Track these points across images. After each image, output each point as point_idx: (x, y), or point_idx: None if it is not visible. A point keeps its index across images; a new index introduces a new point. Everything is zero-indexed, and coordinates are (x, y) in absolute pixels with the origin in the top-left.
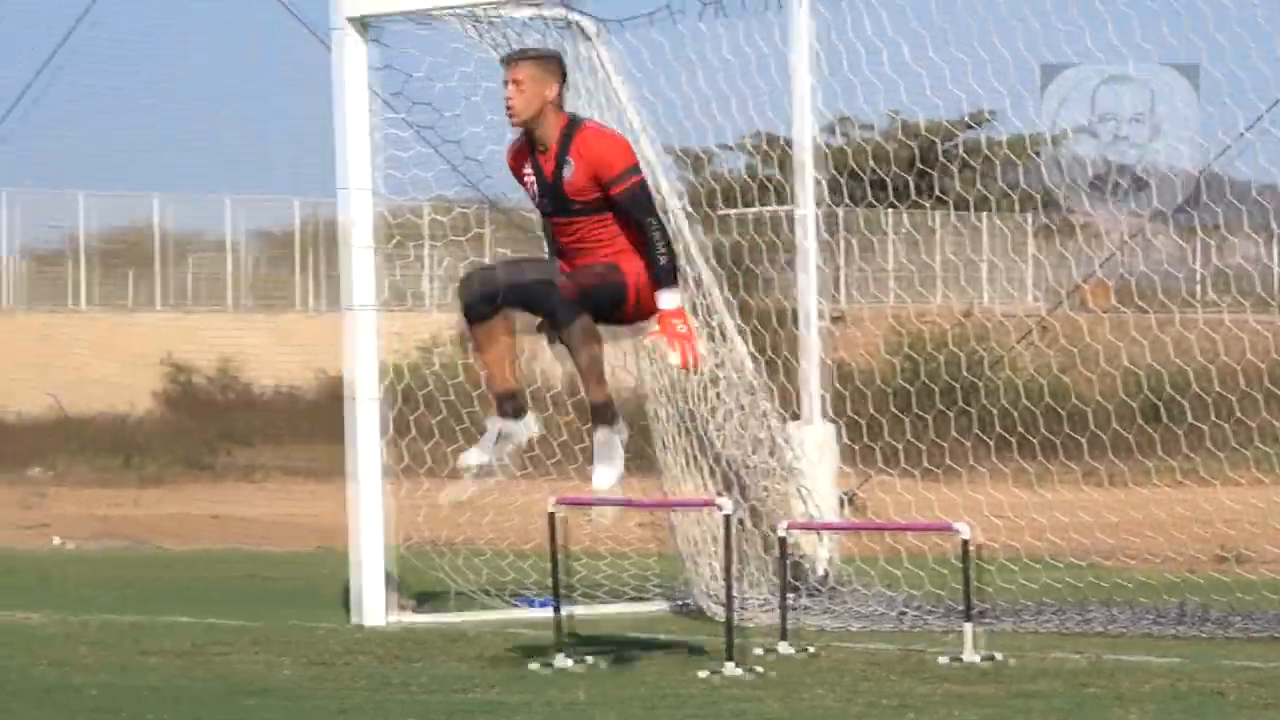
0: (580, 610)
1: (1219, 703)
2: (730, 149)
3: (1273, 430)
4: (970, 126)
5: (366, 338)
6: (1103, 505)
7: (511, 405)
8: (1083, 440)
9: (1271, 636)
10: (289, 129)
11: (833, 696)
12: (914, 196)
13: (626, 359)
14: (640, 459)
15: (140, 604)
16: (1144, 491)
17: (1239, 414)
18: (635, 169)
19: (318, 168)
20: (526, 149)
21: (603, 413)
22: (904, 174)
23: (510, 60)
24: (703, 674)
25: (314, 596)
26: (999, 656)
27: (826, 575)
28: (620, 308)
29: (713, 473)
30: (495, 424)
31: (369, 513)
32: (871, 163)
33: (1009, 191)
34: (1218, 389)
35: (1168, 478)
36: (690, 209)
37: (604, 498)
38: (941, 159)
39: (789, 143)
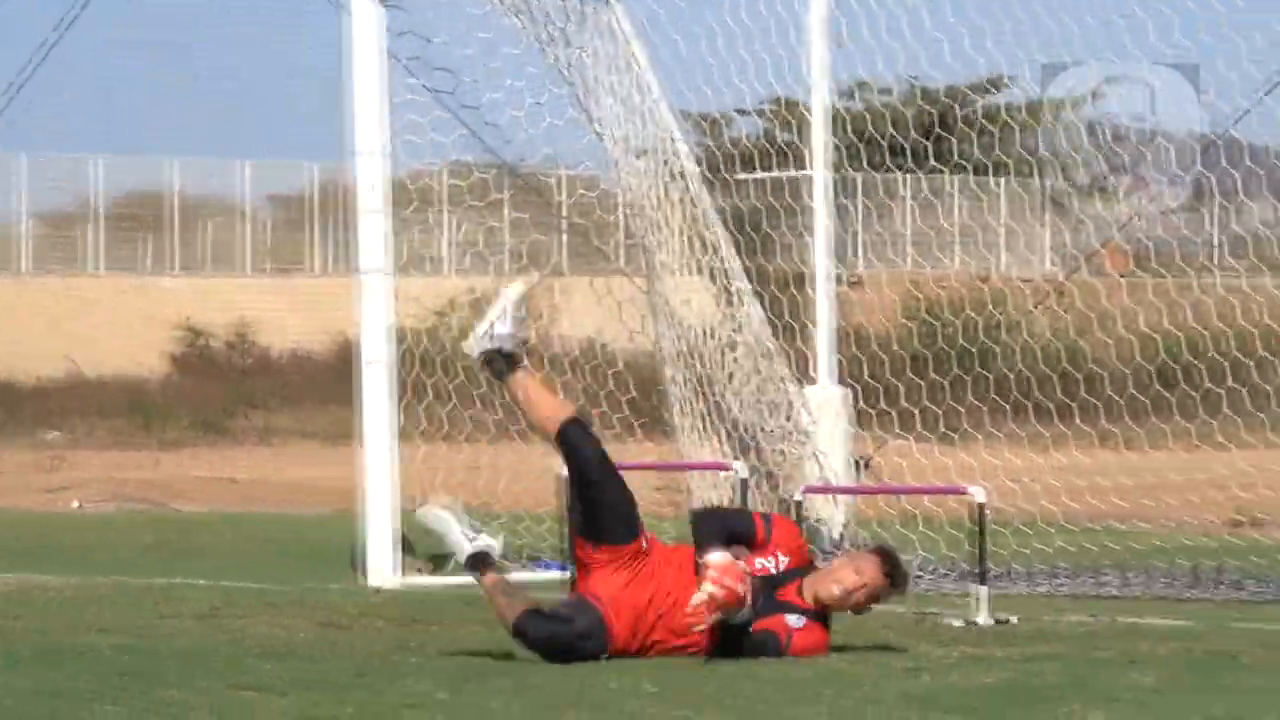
0: None
1: (1232, 666)
2: (747, 114)
3: None
4: (988, 91)
5: (377, 301)
6: (1117, 469)
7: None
8: (1098, 404)
9: None
10: (306, 93)
11: (839, 658)
12: (930, 161)
13: (644, 322)
14: (657, 423)
15: (158, 567)
16: (1159, 455)
17: (1255, 378)
18: None
19: (334, 132)
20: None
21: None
22: (921, 139)
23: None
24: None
25: (329, 559)
26: (1012, 620)
27: (841, 538)
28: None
29: (729, 437)
30: None
31: (378, 475)
32: (889, 127)
33: (1026, 156)
34: (1234, 353)
35: (1183, 441)
36: (707, 174)
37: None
38: (959, 124)
39: (806, 107)
